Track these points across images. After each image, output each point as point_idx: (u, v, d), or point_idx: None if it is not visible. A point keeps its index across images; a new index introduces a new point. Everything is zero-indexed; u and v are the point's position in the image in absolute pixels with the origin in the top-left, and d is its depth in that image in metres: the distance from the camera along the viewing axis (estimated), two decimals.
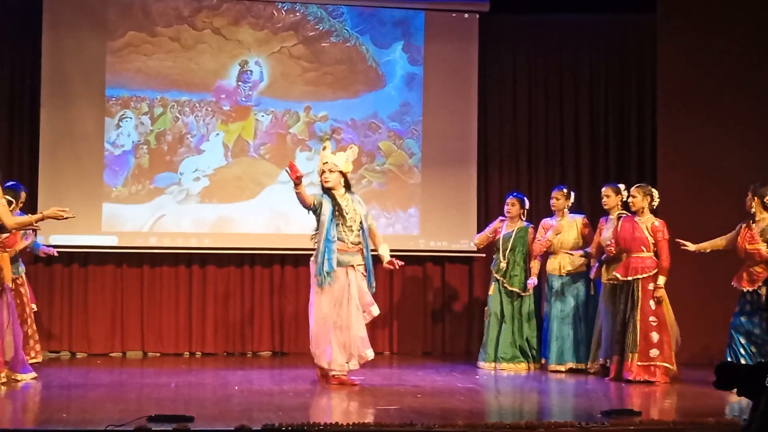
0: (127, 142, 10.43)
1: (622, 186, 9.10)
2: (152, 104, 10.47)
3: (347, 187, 8.04)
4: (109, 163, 10.38)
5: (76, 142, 10.30)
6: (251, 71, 10.64)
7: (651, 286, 8.42)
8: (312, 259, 7.91)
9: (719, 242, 8.46)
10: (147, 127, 10.46)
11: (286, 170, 7.69)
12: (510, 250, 9.48)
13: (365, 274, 7.94)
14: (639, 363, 8.34)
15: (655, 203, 8.64)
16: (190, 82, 10.53)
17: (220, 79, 10.59)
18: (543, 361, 9.42)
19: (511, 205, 9.57)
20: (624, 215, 8.83)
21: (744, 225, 8.24)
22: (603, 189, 9.20)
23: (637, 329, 8.39)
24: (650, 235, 8.50)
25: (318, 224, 7.90)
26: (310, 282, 7.93)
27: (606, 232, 8.97)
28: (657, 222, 8.56)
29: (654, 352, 8.34)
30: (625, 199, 8.99)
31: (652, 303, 8.39)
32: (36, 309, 9.15)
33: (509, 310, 9.47)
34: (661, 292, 8.39)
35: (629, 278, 8.48)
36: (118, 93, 10.41)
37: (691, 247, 8.48)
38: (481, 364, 9.45)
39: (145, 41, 10.46)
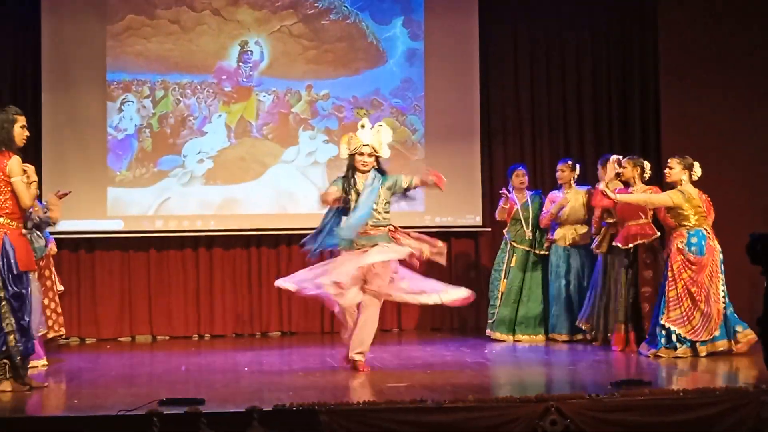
0: (130, 125, 10.42)
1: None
2: (154, 87, 10.45)
3: (379, 169, 7.52)
4: (113, 147, 10.37)
5: (78, 128, 10.30)
6: (251, 51, 10.61)
7: (646, 257, 8.45)
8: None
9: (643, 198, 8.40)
10: (149, 111, 10.45)
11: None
12: (533, 217, 9.61)
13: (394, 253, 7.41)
14: (632, 333, 8.48)
15: (646, 175, 8.65)
16: (191, 64, 10.50)
17: (221, 60, 10.56)
18: (546, 333, 9.56)
19: (523, 176, 9.74)
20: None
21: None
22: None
23: (638, 299, 8.49)
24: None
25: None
26: None
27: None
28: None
29: (647, 324, 8.34)
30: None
31: (646, 273, 8.43)
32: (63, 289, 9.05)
33: (534, 280, 9.60)
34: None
35: (630, 246, 8.50)
36: (119, 77, 10.39)
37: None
38: (497, 336, 9.53)
39: (144, 24, 10.44)
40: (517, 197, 9.70)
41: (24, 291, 6.46)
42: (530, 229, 9.61)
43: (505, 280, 9.67)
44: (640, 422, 5.74)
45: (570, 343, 9.26)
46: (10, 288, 6.40)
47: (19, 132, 6.56)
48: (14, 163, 6.44)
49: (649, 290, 8.44)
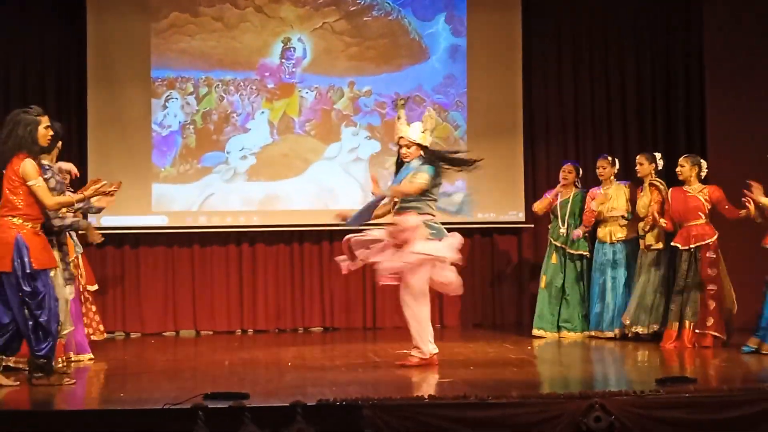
0: (174, 122, 10.50)
1: (657, 155, 9.25)
2: (197, 84, 10.52)
3: (426, 158, 7.43)
4: (157, 143, 10.46)
5: (123, 124, 10.39)
6: (294, 48, 10.64)
7: (710, 255, 8.43)
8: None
9: None
10: (193, 107, 10.52)
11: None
12: (570, 216, 9.55)
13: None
14: (697, 330, 8.42)
15: (703, 173, 8.65)
16: (234, 61, 10.56)
17: (264, 57, 10.61)
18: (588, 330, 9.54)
19: (568, 172, 9.70)
20: (656, 183, 9.00)
21: None
22: (638, 157, 9.31)
23: (697, 297, 8.44)
24: (705, 201, 8.49)
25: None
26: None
27: (641, 200, 9.14)
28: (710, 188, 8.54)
29: (710, 321, 8.39)
30: (659, 168, 9.08)
31: (711, 271, 8.41)
32: (97, 288, 9.11)
33: (572, 277, 9.58)
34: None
35: (690, 247, 8.49)
36: (163, 74, 10.47)
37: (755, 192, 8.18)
38: (540, 333, 9.54)
39: (188, 21, 10.51)
40: (561, 193, 9.67)
41: (41, 289, 6.53)
42: (565, 226, 9.57)
43: (545, 276, 9.66)
44: (685, 419, 5.69)
45: (614, 340, 9.21)
46: (25, 287, 6.49)
47: (44, 133, 6.63)
48: (28, 166, 6.49)
49: (714, 288, 8.42)
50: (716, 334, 8.38)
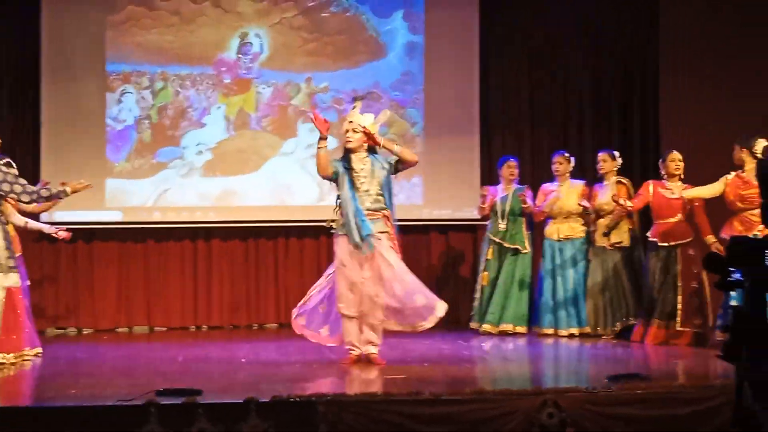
0: (129, 117, 10.42)
1: (616, 153, 9.30)
2: (153, 78, 10.44)
3: (371, 149, 7.39)
4: (112, 138, 10.37)
5: (77, 118, 10.29)
6: (251, 43, 10.60)
7: (691, 252, 8.46)
8: (336, 233, 7.34)
9: (706, 191, 8.36)
10: (148, 102, 10.44)
11: (310, 116, 7.37)
12: (510, 212, 9.54)
13: (393, 243, 7.34)
14: (679, 328, 8.43)
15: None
16: (191, 56, 10.49)
17: (221, 52, 10.55)
18: (539, 327, 9.52)
19: (514, 168, 9.71)
20: (621, 181, 9.08)
21: (735, 174, 8.18)
22: (599, 154, 9.36)
23: (674, 296, 8.45)
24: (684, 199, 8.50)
25: (340, 194, 7.34)
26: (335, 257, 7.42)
27: (602, 197, 9.15)
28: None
29: (696, 319, 8.42)
30: (618, 165, 9.12)
31: (693, 268, 8.42)
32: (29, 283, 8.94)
33: (512, 272, 9.55)
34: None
35: (671, 244, 8.52)
36: (118, 68, 10.38)
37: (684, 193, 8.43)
38: (484, 327, 9.53)
39: (144, 15, 10.42)
40: (505, 189, 9.68)
41: None
42: (505, 222, 9.58)
43: (485, 273, 9.66)
44: (637, 416, 5.74)
45: (567, 337, 9.25)
46: None
47: None
48: None
49: (696, 285, 8.44)
50: (700, 330, 8.41)
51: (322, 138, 7.23)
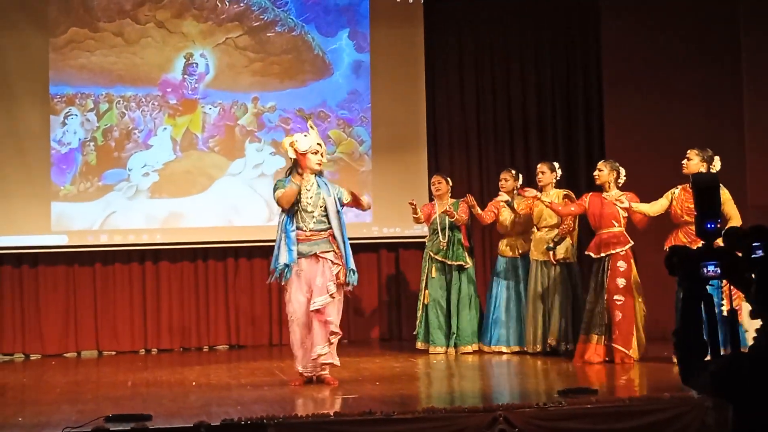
0: (74, 139, 10.32)
1: (556, 164, 9.22)
2: (98, 100, 10.36)
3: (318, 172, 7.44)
4: (56, 161, 10.27)
5: (21, 141, 10.18)
6: (197, 64, 10.56)
7: (620, 264, 8.24)
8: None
9: (652, 208, 8.22)
10: (93, 124, 10.36)
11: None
12: (449, 228, 9.47)
13: (337, 262, 7.33)
14: (605, 343, 8.23)
15: (621, 180, 8.44)
16: (136, 77, 10.43)
17: (166, 73, 10.50)
18: (487, 344, 9.43)
19: (438, 183, 9.67)
20: (569, 194, 9.01)
21: (681, 187, 8.11)
22: (538, 165, 9.25)
23: (603, 309, 8.22)
24: (621, 208, 8.28)
25: (280, 215, 7.40)
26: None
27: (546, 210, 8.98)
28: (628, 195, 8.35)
29: (615, 333, 8.16)
30: (558, 177, 9.11)
31: (620, 281, 8.19)
32: None
33: (455, 290, 9.43)
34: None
35: (602, 255, 8.29)
36: (62, 90, 10.29)
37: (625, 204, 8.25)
38: (434, 348, 9.36)
39: (87, 37, 10.34)
40: (438, 205, 9.62)
41: None
42: (446, 239, 9.45)
43: (427, 291, 9.54)
44: (587, 430, 5.79)
45: (509, 354, 9.20)
46: None
47: None
48: None
49: (622, 300, 8.19)
50: (621, 347, 8.12)
51: (300, 175, 7.28)
